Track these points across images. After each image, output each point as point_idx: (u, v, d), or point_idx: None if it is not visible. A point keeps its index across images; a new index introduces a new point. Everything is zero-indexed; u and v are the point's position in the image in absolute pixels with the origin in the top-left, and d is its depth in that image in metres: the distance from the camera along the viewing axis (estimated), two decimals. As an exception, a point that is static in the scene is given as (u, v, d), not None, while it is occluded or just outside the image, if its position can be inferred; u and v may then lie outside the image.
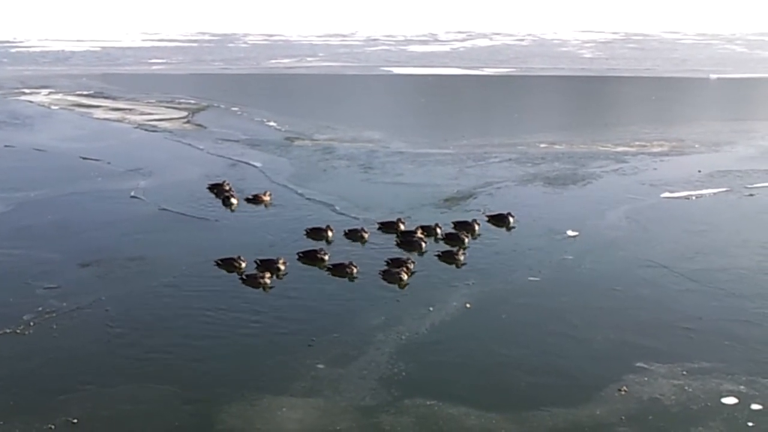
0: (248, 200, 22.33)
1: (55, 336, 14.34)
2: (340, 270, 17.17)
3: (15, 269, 17.51)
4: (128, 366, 13.38)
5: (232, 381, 12.87)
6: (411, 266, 17.12)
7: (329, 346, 13.96)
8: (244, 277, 16.90)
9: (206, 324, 14.93)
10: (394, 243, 18.98)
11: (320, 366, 13.30)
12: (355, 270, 17.07)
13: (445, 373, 13.20)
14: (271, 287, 16.52)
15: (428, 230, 19.34)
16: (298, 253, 17.99)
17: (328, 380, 12.88)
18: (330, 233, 19.40)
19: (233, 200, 22.10)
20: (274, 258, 17.35)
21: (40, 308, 15.32)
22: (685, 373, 13.13)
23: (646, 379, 12.97)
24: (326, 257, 17.71)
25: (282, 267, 17.14)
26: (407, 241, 18.84)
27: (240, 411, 12.02)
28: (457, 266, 17.73)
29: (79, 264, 17.75)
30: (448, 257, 18.02)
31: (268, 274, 16.71)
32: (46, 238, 19.56)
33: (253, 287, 16.53)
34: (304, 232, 19.53)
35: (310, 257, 17.86)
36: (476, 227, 19.63)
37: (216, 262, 17.61)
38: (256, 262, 17.35)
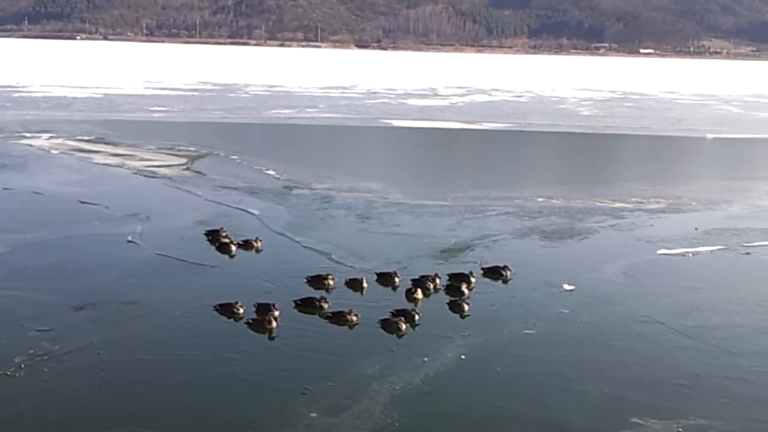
0: (239, 245, 22.35)
1: (45, 379, 14.19)
2: (339, 318, 17.08)
3: (8, 311, 17.39)
4: (119, 411, 13.22)
5: (224, 428, 12.73)
6: (416, 317, 17.08)
7: (323, 395, 13.83)
8: (250, 321, 16.82)
9: (199, 370, 14.79)
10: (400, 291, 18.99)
11: (313, 414, 13.16)
12: (354, 318, 16.98)
13: (438, 425, 13.05)
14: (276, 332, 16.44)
15: (426, 282, 19.29)
16: (295, 301, 17.91)
17: (320, 429, 12.73)
18: (331, 281, 19.33)
19: (232, 247, 22.13)
20: (270, 303, 17.29)
21: (31, 350, 15.19)
22: (680, 429, 13.01)
23: (641, 434, 12.85)
24: (326, 305, 17.61)
25: (276, 312, 17.04)
26: (407, 291, 18.84)
27: (231, 458, 11.87)
28: (462, 316, 17.71)
29: (74, 307, 17.65)
30: (454, 306, 18.12)
31: (274, 320, 16.63)
32: (41, 280, 19.49)
33: (258, 332, 16.46)
34: (305, 280, 19.47)
35: (307, 305, 17.77)
36: (472, 279, 19.61)
37: (215, 307, 17.54)
38: (254, 306, 17.31)
